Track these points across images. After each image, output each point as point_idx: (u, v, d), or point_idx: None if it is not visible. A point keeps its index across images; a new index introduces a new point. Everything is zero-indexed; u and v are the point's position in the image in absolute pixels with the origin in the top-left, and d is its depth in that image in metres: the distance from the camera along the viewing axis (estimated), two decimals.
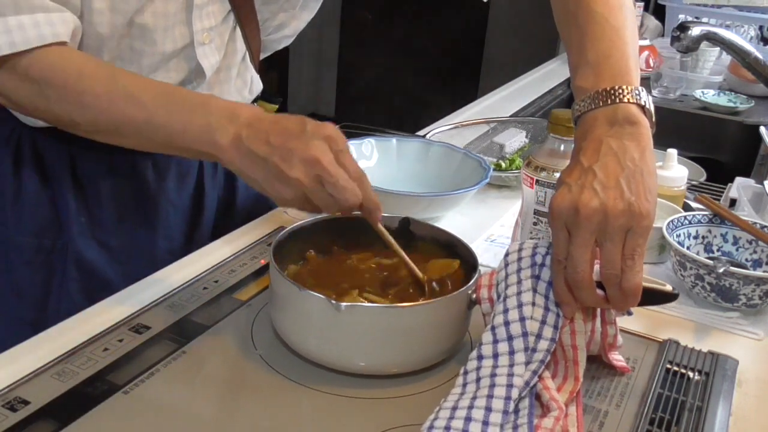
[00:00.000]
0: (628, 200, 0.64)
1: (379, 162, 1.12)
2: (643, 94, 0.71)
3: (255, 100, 1.08)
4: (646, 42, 2.02)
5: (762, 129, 1.36)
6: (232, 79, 0.98)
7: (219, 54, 0.93)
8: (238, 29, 0.96)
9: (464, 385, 0.65)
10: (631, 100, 0.70)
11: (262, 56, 1.07)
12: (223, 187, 1.07)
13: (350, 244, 0.79)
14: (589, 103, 0.71)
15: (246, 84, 1.02)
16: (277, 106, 1.12)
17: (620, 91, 0.70)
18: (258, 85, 1.06)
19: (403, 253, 0.76)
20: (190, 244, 1.02)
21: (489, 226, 1.05)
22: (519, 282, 0.68)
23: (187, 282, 0.82)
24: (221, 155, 0.73)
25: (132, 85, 0.77)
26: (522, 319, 0.66)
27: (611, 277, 0.65)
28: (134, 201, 0.96)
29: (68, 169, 0.92)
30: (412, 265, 0.76)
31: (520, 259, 0.70)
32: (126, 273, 0.92)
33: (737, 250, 0.95)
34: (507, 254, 0.71)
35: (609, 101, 0.70)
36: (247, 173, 0.72)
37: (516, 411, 0.61)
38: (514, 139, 1.35)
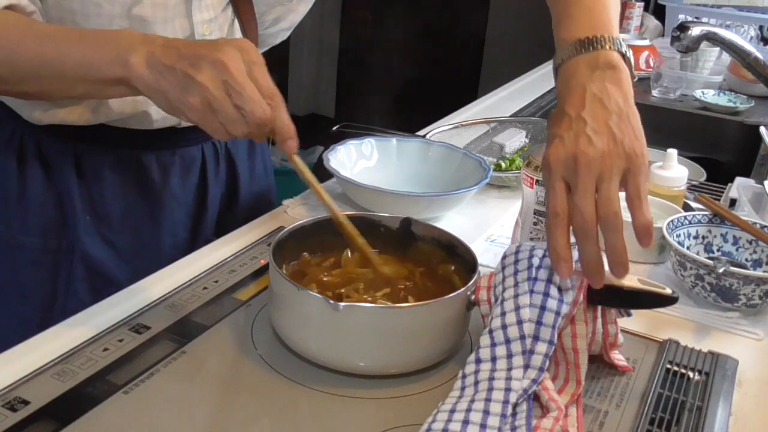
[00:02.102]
0: (622, 142, 0.65)
1: (379, 162, 1.12)
2: (624, 45, 0.72)
3: None
4: (646, 42, 2.02)
5: (762, 129, 1.36)
6: None
7: None
8: (236, 21, 0.96)
9: (462, 388, 0.65)
10: (612, 48, 0.71)
11: (260, 51, 1.07)
12: (225, 183, 1.07)
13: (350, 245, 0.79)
14: (570, 52, 0.72)
15: None
16: None
17: (601, 39, 0.71)
18: None
19: (333, 206, 0.75)
20: (194, 240, 1.02)
21: (489, 226, 1.05)
22: (516, 285, 0.68)
23: (187, 282, 0.82)
24: (132, 73, 0.70)
25: (47, 28, 0.77)
26: (519, 322, 0.66)
27: (610, 216, 0.64)
28: (139, 197, 0.97)
29: (72, 167, 0.92)
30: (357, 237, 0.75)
31: (516, 261, 0.69)
32: (132, 270, 0.92)
33: (737, 250, 0.95)
34: (504, 257, 0.71)
35: (591, 48, 0.71)
36: (156, 87, 0.69)
37: (514, 414, 0.61)
38: (514, 139, 1.34)
